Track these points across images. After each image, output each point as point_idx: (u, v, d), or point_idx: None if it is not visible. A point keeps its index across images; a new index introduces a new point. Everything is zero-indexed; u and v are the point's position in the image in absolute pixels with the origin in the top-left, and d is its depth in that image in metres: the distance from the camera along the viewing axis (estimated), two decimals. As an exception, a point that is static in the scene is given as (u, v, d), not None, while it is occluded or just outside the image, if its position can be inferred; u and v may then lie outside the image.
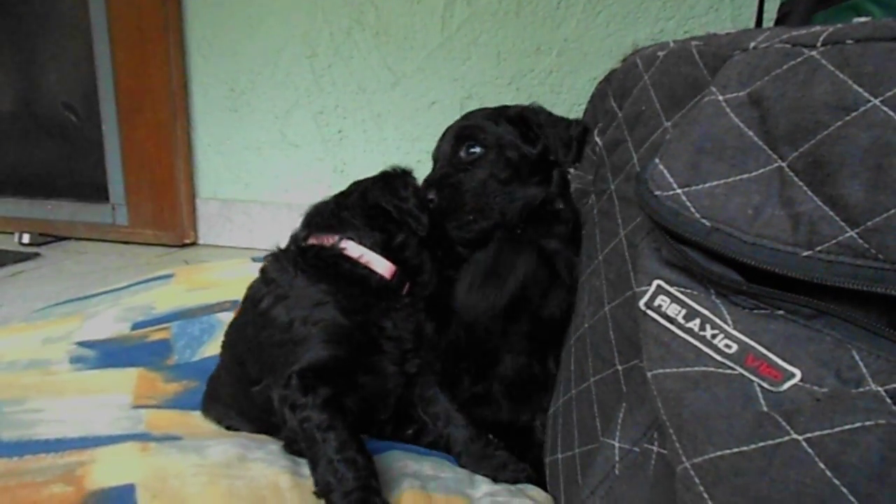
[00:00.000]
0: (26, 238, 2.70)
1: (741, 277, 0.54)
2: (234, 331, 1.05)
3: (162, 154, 2.63)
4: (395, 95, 2.33)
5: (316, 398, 0.82)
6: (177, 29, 2.51)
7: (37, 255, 2.53)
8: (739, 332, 0.53)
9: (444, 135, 1.13)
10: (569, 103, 2.11)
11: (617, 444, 0.72)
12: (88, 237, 2.80)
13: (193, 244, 2.71)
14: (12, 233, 2.75)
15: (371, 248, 0.95)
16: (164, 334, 1.36)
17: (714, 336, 0.54)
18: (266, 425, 0.95)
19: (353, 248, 0.95)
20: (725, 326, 0.54)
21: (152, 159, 2.65)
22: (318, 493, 0.78)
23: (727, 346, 0.53)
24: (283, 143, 2.53)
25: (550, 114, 1.13)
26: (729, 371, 0.52)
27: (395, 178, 1.01)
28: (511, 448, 1.06)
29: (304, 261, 0.94)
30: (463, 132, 1.09)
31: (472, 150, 1.07)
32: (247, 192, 2.62)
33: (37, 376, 1.16)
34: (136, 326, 1.42)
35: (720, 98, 0.58)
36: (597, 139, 1.03)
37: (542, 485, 0.96)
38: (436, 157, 1.14)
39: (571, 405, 0.93)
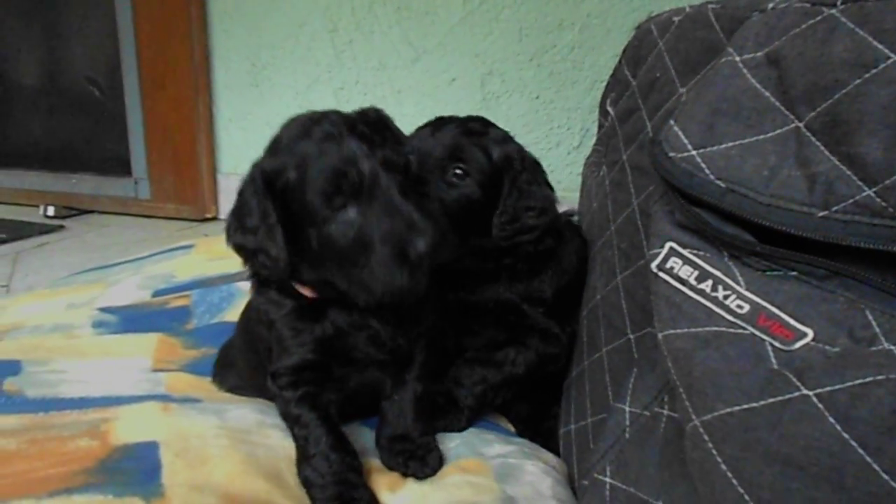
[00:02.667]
0: (51, 211, 2.74)
1: (754, 239, 0.54)
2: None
3: (184, 129, 2.65)
4: (415, 71, 2.32)
5: (292, 394, 0.84)
6: (199, 3, 2.52)
7: (61, 227, 2.58)
8: (752, 292, 0.53)
9: (440, 133, 1.00)
10: (591, 80, 2.09)
11: (627, 409, 0.72)
12: (111, 210, 2.84)
13: (214, 219, 2.73)
14: (37, 205, 2.80)
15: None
16: (184, 301, 1.38)
17: (726, 297, 0.54)
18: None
19: None
20: (737, 287, 0.54)
21: (174, 134, 2.67)
22: (302, 485, 0.81)
23: (739, 306, 0.53)
24: (303, 119, 2.52)
25: (537, 176, 1.01)
26: (740, 331, 0.52)
27: (253, 191, 0.83)
28: (526, 421, 1.07)
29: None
30: (458, 152, 0.98)
31: (458, 172, 0.97)
32: (267, 167, 2.63)
33: (60, 339, 1.19)
34: (156, 294, 1.44)
35: (737, 59, 0.58)
36: (609, 109, 1.02)
37: (556, 453, 0.97)
38: (423, 151, 0.99)
39: (584, 376, 0.94)
